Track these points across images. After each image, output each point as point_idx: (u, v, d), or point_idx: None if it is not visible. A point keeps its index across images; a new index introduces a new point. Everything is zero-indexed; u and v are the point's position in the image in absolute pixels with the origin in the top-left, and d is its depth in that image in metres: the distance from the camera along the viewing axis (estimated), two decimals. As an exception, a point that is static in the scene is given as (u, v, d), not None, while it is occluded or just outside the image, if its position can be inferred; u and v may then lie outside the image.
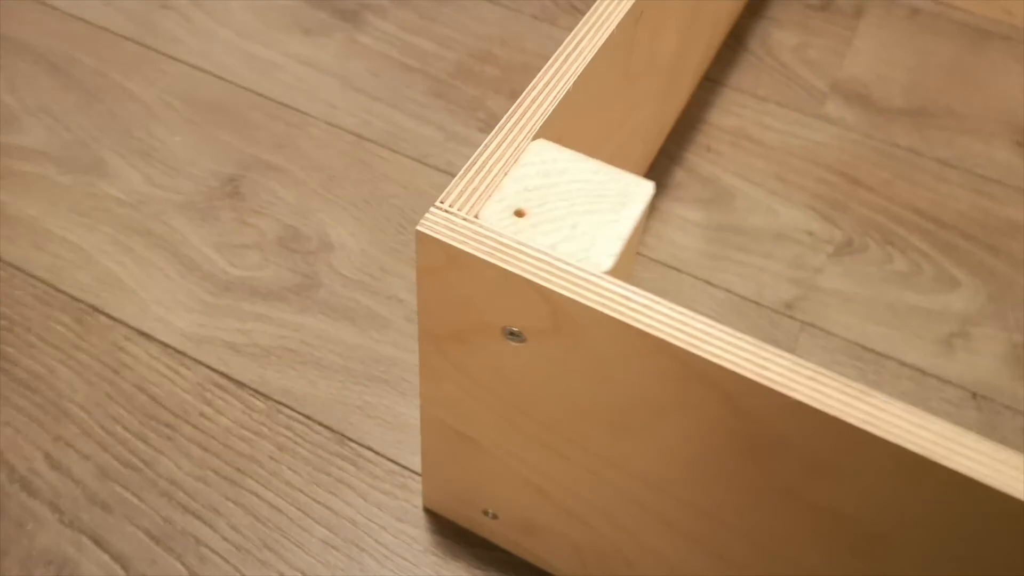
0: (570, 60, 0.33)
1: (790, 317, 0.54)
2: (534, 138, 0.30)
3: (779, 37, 0.73)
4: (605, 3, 0.36)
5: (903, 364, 0.52)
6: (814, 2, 0.76)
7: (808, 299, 0.55)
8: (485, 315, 0.29)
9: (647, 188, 0.29)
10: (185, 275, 0.53)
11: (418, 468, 0.46)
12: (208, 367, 0.49)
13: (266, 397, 0.48)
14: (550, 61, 0.33)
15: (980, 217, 0.60)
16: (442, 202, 0.28)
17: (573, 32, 0.34)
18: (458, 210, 0.28)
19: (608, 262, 0.27)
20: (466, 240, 0.27)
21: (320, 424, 0.47)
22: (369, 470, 0.46)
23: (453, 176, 0.60)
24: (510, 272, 0.26)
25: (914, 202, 0.61)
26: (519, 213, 0.28)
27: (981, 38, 0.73)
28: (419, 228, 0.27)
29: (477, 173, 0.29)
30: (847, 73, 0.70)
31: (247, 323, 0.51)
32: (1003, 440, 0.49)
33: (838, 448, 0.25)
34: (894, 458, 0.24)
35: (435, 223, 0.27)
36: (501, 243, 0.27)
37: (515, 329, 0.28)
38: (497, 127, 0.30)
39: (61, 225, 0.54)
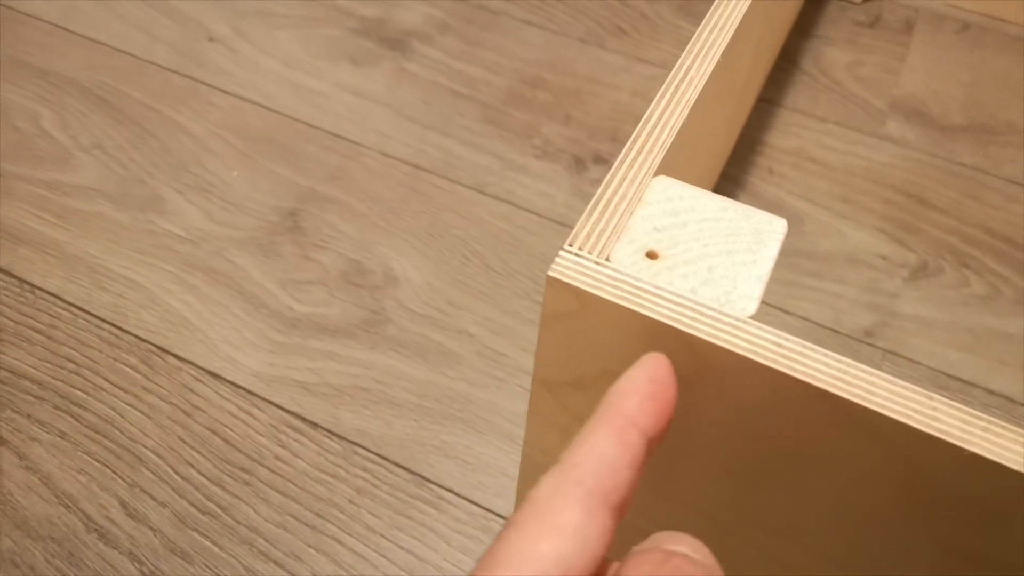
0: (680, 91, 0.32)
1: (871, 345, 0.53)
2: (655, 174, 0.29)
3: (831, 55, 0.72)
4: (708, 29, 0.35)
5: (990, 392, 0.51)
6: (862, 19, 0.75)
7: (887, 325, 0.53)
8: (612, 363, 0.27)
9: (781, 226, 0.28)
10: (251, 313, 0.51)
11: (501, 510, 0.44)
12: (281, 408, 0.47)
13: (341, 438, 0.46)
14: (660, 92, 0.32)
15: (1054, 236, 0.59)
16: (571, 245, 0.27)
17: (680, 60, 0.33)
18: (588, 253, 0.26)
19: (752, 306, 0.25)
20: (602, 284, 0.25)
21: (397, 465, 0.46)
22: (451, 513, 0.44)
23: (513, 206, 0.59)
24: (651, 318, 0.25)
25: (985, 222, 0.60)
26: (651, 255, 0.27)
27: (1037, 52, 0.72)
28: (551, 273, 0.26)
29: (603, 213, 0.27)
30: (904, 90, 0.69)
31: (317, 361, 0.49)
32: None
33: (1011, 499, 0.23)
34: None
35: (566, 267, 0.26)
36: (639, 287, 0.25)
37: (647, 376, 0.27)
38: (616, 163, 0.29)
39: (123, 264, 0.53)
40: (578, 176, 0.61)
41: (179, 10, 0.71)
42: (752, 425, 0.26)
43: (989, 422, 0.23)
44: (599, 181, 0.62)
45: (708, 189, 0.59)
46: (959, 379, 0.51)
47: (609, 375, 0.28)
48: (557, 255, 0.26)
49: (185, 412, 0.47)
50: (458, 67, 0.69)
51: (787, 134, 0.65)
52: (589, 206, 0.28)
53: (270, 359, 0.49)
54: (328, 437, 0.46)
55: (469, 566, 0.43)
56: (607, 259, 0.26)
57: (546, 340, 0.28)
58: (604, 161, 0.62)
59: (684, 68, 0.33)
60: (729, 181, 0.61)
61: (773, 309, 0.54)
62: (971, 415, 0.23)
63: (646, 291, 0.25)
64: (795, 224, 0.59)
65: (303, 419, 0.47)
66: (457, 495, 0.45)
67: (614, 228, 0.27)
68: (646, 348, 0.26)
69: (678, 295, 0.25)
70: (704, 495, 0.30)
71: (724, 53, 0.35)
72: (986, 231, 0.59)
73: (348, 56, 0.69)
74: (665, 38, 0.72)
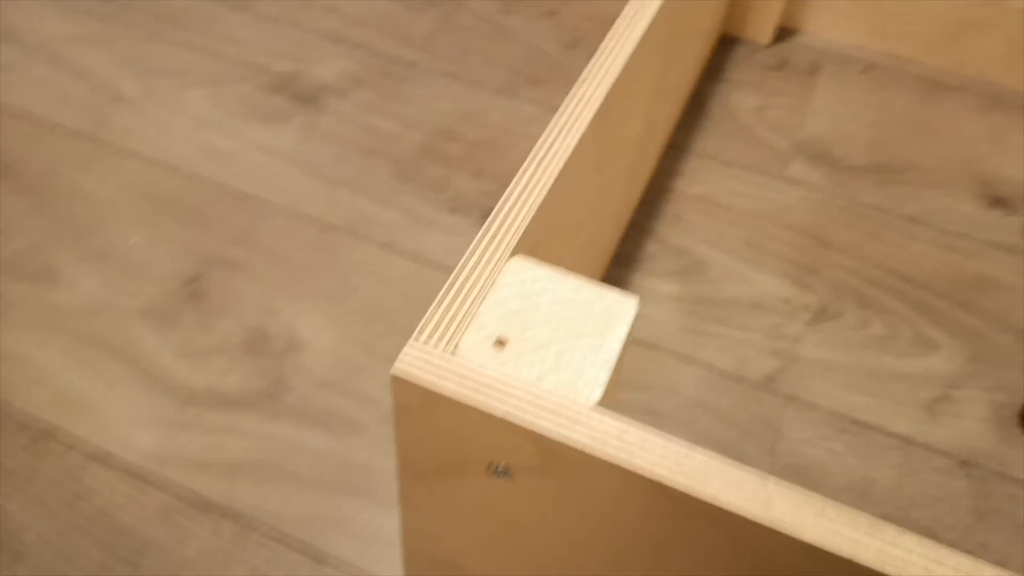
0: (542, 167, 0.32)
1: (772, 392, 0.53)
2: (511, 255, 0.29)
3: (739, 99, 0.73)
4: (573, 103, 0.35)
5: (890, 434, 0.51)
6: (770, 62, 0.77)
7: (789, 370, 0.54)
8: (468, 452, 0.27)
9: (631, 305, 0.28)
10: (147, 387, 0.50)
11: (403, 582, 0.44)
12: (175, 487, 0.46)
13: (237, 517, 0.45)
14: (521, 170, 0.32)
15: (952, 273, 0.60)
16: (418, 336, 0.26)
17: (543, 136, 0.33)
18: (435, 344, 0.26)
19: (596, 393, 0.25)
20: (445, 379, 0.25)
21: (297, 541, 0.45)
22: (351, 588, 0.43)
23: (422, 262, 0.59)
24: (493, 415, 0.25)
25: (885, 262, 0.61)
26: (500, 342, 0.27)
27: (936, 90, 0.75)
28: (394, 372, 0.25)
29: (453, 301, 0.27)
30: (808, 132, 0.70)
31: (214, 436, 0.48)
32: (996, 510, 0.48)
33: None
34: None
35: (411, 362, 0.26)
36: (482, 381, 0.25)
37: (501, 466, 0.27)
38: (471, 247, 0.29)
39: (13, 339, 0.52)
40: (488, 230, 0.61)
41: (87, 69, 0.70)
42: (603, 512, 0.26)
43: (824, 505, 0.23)
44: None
45: (598, 255, 0.60)
46: (859, 422, 0.52)
47: (471, 465, 0.27)
48: (403, 349, 0.26)
49: (73, 498, 0.45)
50: (371, 122, 0.69)
51: (695, 180, 0.66)
52: (440, 293, 0.28)
53: (165, 436, 0.48)
54: (223, 517, 0.45)
55: (369, 644, 0.42)
56: (455, 348, 0.26)
57: (401, 432, 0.28)
58: (514, 213, 0.62)
59: (547, 142, 0.33)
60: (637, 230, 0.62)
61: (679, 357, 0.54)
62: (806, 499, 0.23)
63: (489, 385, 0.25)
64: (701, 270, 0.60)
65: (197, 499, 0.46)
66: (359, 570, 0.44)
67: (464, 316, 0.27)
68: (494, 440, 0.26)
69: (522, 387, 0.25)
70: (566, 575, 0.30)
71: (596, 118, 0.35)
72: (887, 271, 0.61)
73: (259, 113, 0.68)
74: (576, 87, 0.73)
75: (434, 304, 0.27)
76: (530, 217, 0.30)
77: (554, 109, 0.71)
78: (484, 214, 0.62)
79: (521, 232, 0.30)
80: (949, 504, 0.48)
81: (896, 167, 0.68)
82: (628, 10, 0.41)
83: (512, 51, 0.76)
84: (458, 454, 0.27)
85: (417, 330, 0.27)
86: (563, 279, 0.29)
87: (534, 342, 0.27)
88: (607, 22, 0.79)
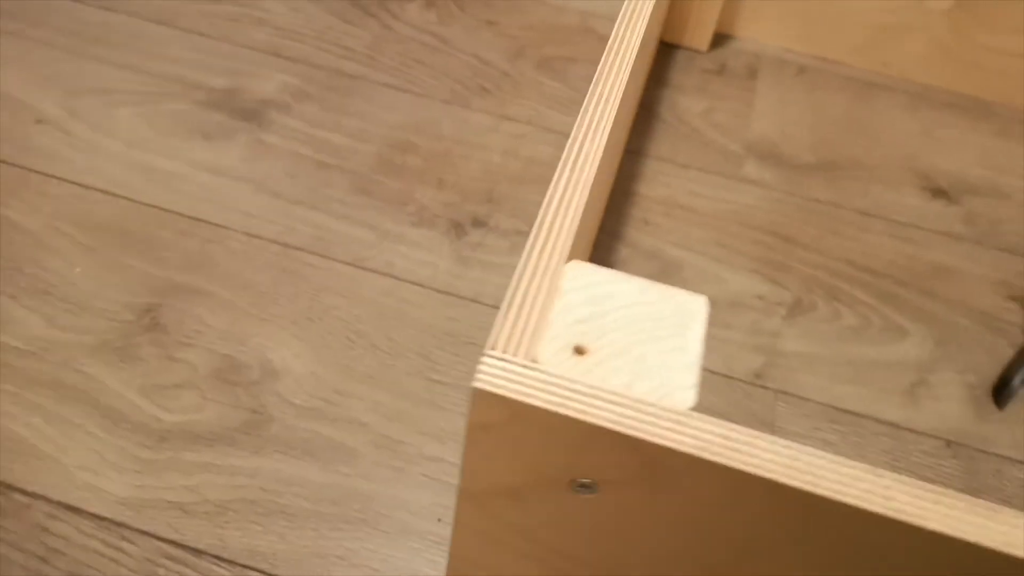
0: (579, 168, 0.31)
1: (763, 387, 0.53)
2: (567, 259, 0.28)
3: (686, 103, 0.74)
4: (595, 100, 0.34)
5: (879, 421, 0.52)
6: (710, 66, 0.79)
7: (775, 365, 0.55)
8: (550, 469, 0.25)
9: (702, 304, 0.27)
10: (111, 429, 0.46)
11: (419, 616, 0.41)
12: (155, 536, 0.42)
13: (230, 562, 0.42)
14: (557, 172, 0.31)
15: (908, 263, 0.63)
16: (493, 349, 0.24)
17: (572, 136, 0.32)
18: (512, 356, 0.24)
19: (691, 396, 0.24)
20: (535, 391, 0.23)
21: (299, 584, 0.41)
22: (365, 629, 0.40)
23: (394, 278, 0.56)
24: (593, 424, 0.23)
25: (846, 254, 0.63)
26: (579, 350, 0.25)
27: (866, 90, 0.78)
28: (477, 384, 0.23)
29: (520, 310, 0.25)
30: (756, 133, 0.72)
31: (194, 476, 0.44)
32: (986, 485, 0.50)
33: (967, 571, 0.23)
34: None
35: (492, 375, 0.24)
36: (575, 390, 0.24)
37: (586, 481, 0.25)
38: (525, 253, 0.27)
39: (-52, 389, 0.46)
40: (458, 241, 0.59)
41: (1, 91, 0.64)
42: (706, 519, 0.25)
43: (941, 494, 0.23)
44: (480, 245, 0.60)
45: (588, 248, 0.59)
46: (849, 411, 0.53)
47: (551, 483, 0.26)
48: (480, 362, 0.24)
49: (41, 558, 0.40)
50: (321, 136, 0.66)
51: (656, 183, 0.66)
52: (504, 304, 0.26)
53: (138, 481, 0.44)
54: (215, 563, 0.41)
55: None
56: (534, 360, 0.24)
57: (473, 453, 0.26)
58: (482, 224, 0.61)
59: (578, 144, 0.32)
60: (608, 234, 0.62)
61: (669, 362, 0.54)
62: (923, 488, 0.23)
63: (582, 393, 0.24)
64: (675, 272, 0.60)
65: (183, 546, 0.42)
66: (370, 608, 0.41)
67: (535, 325, 0.25)
68: (587, 454, 0.24)
69: (618, 395, 0.24)
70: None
71: (615, 121, 0.34)
72: (848, 263, 0.62)
73: (199, 131, 0.64)
74: (529, 95, 0.72)
75: (500, 316, 0.25)
76: (577, 220, 0.29)
77: (508, 119, 0.70)
78: (452, 226, 0.60)
79: (572, 236, 0.28)
80: (943, 484, 0.49)
81: (842, 164, 0.70)
82: (626, 12, 0.40)
83: (456, 62, 0.74)
84: (538, 472, 0.25)
85: (489, 343, 0.25)
86: (627, 281, 0.27)
87: (614, 348, 0.25)
88: (548, 32, 0.79)
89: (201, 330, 0.51)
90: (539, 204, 0.62)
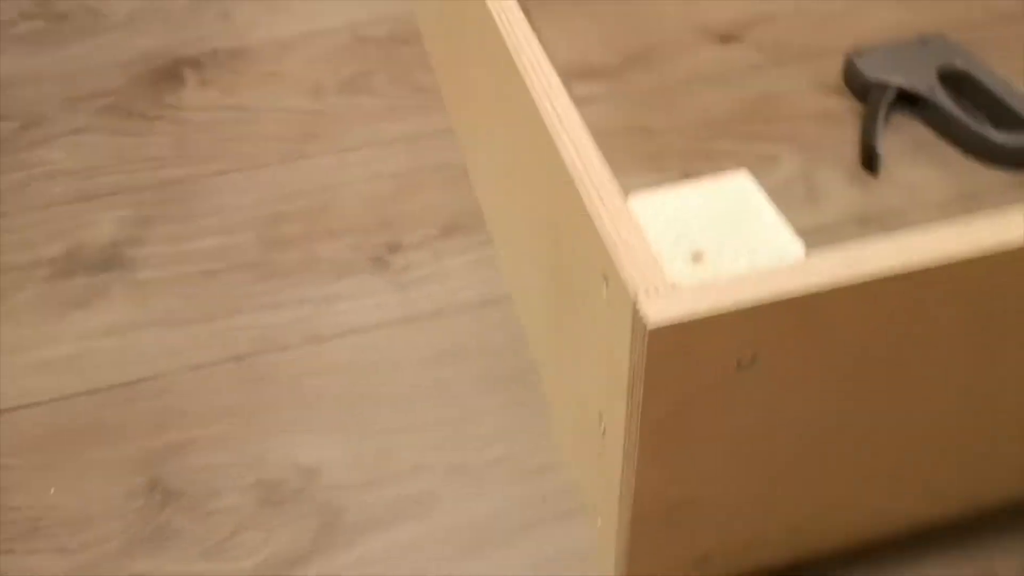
0: (560, 113, 0.33)
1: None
2: (626, 198, 0.30)
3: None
4: (520, 52, 0.36)
5: (799, 230, 0.60)
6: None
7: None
8: (715, 363, 0.28)
9: (744, 176, 0.31)
10: (203, 607, 0.43)
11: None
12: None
13: (399, 646, 0.41)
14: (551, 127, 0.33)
15: (742, 107, 0.71)
16: (633, 294, 0.27)
17: (529, 88, 0.35)
18: (657, 288, 0.27)
19: (798, 246, 0.28)
20: (699, 303, 0.26)
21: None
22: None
23: (359, 332, 0.56)
24: (762, 303, 0.26)
25: (693, 123, 0.70)
26: (696, 257, 0.28)
27: (622, -15, 0.85)
28: (652, 328, 0.26)
29: (620, 256, 0.28)
30: (562, 60, 0.77)
31: (313, 598, 0.43)
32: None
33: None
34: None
35: (655, 312, 0.26)
36: (728, 286, 0.27)
37: (748, 358, 0.28)
38: (586, 202, 0.30)
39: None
40: (388, 272, 0.60)
41: None
42: (873, 340, 0.29)
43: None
44: (408, 265, 0.61)
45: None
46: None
47: (717, 374, 0.29)
48: (637, 310, 0.27)
49: None
50: (191, 248, 0.63)
51: (515, 139, 0.70)
52: (604, 259, 0.28)
53: (267, 633, 0.42)
54: (389, 655, 0.41)
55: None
56: (672, 286, 0.27)
57: (654, 384, 0.28)
58: (397, 247, 0.62)
59: (541, 92, 0.34)
60: (507, 201, 0.64)
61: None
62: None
63: (735, 285, 0.27)
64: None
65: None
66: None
67: (649, 263, 0.28)
68: (750, 334, 0.28)
69: (755, 274, 0.27)
70: (827, 437, 0.32)
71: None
72: (704, 127, 0.69)
73: (69, 303, 0.59)
74: (351, 119, 0.72)
75: (613, 263, 0.28)
76: (602, 162, 0.32)
77: (347, 150, 0.70)
78: (371, 262, 0.61)
79: (612, 177, 0.31)
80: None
81: (642, 51, 0.77)
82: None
83: (266, 120, 0.73)
84: (707, 370, 0.28)
85: (629, 290, 0.27)
86: (678, 190, 0.31)
87: (717, 243, 0.29)
88: (332, 58, 0.79)
89: (215, 474, 0.49)
90: (428, 205, 0.64)
